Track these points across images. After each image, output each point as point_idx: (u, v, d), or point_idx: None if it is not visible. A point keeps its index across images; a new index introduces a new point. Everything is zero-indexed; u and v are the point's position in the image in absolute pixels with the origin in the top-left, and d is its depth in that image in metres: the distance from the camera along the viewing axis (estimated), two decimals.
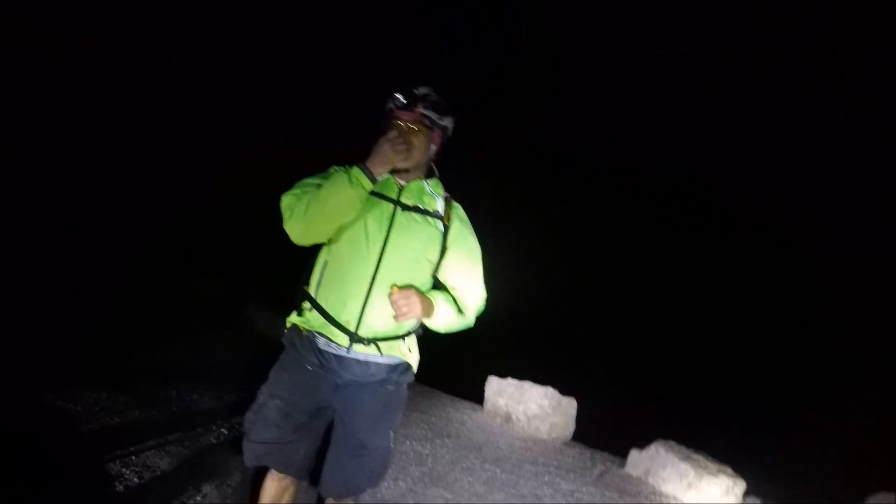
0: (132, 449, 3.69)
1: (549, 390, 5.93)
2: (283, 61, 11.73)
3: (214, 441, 4.07)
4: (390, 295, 2.51)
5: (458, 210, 2.74)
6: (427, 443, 5.04)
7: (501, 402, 5.97)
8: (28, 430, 3.70)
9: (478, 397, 6.27)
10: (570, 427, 5.96)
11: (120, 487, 3.34)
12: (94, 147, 8.98)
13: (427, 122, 2.59)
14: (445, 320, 2.69)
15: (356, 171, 2.48)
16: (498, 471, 4.85)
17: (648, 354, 10.56)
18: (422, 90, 2.62)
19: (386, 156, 2.50)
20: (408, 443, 4.95)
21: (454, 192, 2.78)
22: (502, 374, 6.16)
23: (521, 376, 6.11)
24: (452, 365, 6.45)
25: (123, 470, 3.48)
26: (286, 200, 2.55)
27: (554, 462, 5.36)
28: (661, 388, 8.99)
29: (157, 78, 10.32)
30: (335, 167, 2.58)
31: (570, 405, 5.95)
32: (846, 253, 12.02)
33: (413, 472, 4.46)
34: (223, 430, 4.17)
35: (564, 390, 6.05)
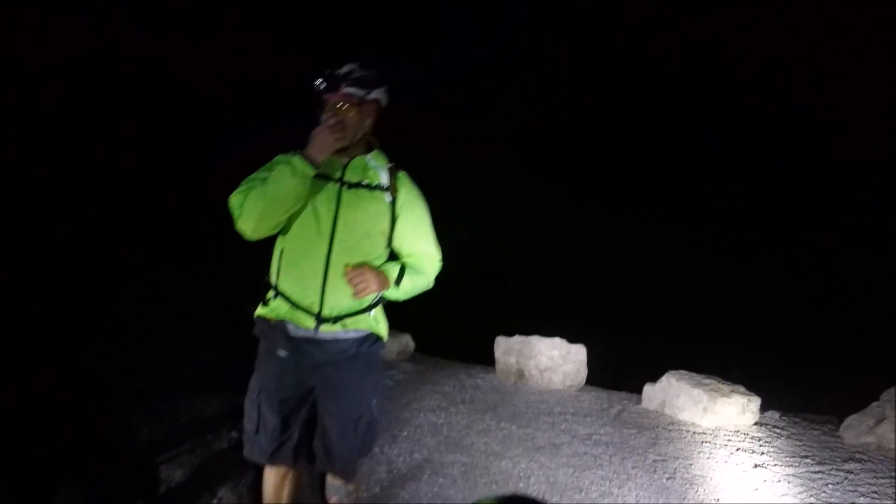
0: (146, 466, 3.79)
1: (557, 341, 5.97)
2: (283, 61, 11.76)
3: (226, 445, 4.11)
4: (345, 274, 2.58)
5: (404, 178, 2.79)
6: (441, 412, 5.10)
7: (512, 360, 6.02)
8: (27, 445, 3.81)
9: (490, 360, 6.32)
10: (583, 373, 6.00)
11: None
12: (93, 147, 9.10)
13: (355, 100, 2.64)
14: (405, 289, 2.75)
15: (297, 160, 2.53)
16: (514, 427, 4.91)
17: (650, 299, 10.62)
18: (344, 68, 2.67)
19: (325, 142, 2.56)
20: (422, 415, 5.00)
21: (399, 161, 2.82)
22: (509, 333, 6.21)
23: (527, 332, 6.16)
24: (460, 332, 6.51)
25: (140, 486, 3.60)
26: (234, 199, 2.62)
27: (570, 409, 5.42)
28: (667, 324, 8.99)
29: (158, 78, 10.43)
30: (280, 156, 2.63)
31: (579, 352, 5.97)
32: (846, 253, 11.97)
33: (428, 443, 4.50)
34: (233, 434, 4.23)
35: (572, 338, 6.09)
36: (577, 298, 9.39)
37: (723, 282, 11.82)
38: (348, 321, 2.67)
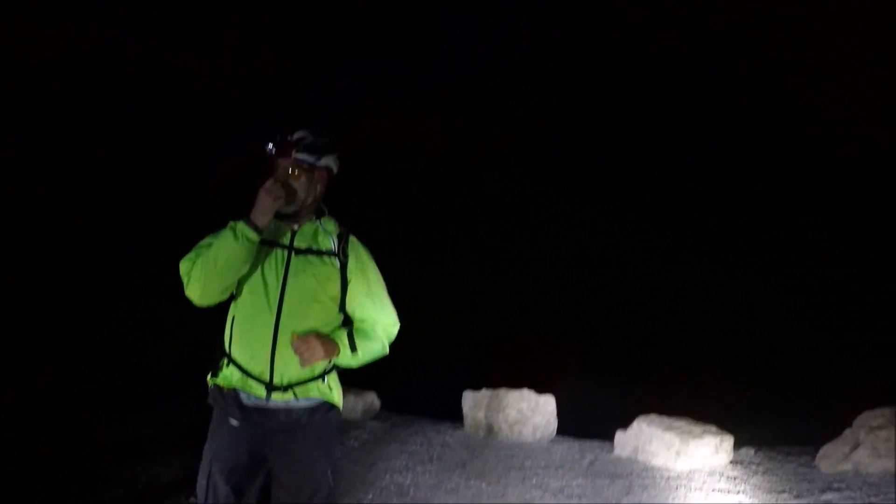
0: None
1: (525, 392, 5.88)
2: (283, 61, 11.82)
3: None
4: (291, 343, 2.53)
5: (354, 242, 2.76)
6: (408, 472, 4.93)
7: (480, 414, 5.89)
8: None
9: (459, 414, 6.17)
10: (553, 424, 5.87)
11: None
12: (93, 147, 9.12)
13: (305, 166, 2.63)
14: (356, 356, 2.68)
15: (241, 225, 2.51)
16: (483, 484, 4.76)
17: (622, 339, 10.54)
18: (297, 134, 2.66)
19: (265, 205, 2.53)
20: (388, 476, 4.83)
21: (350, 222, 2.80)
22: (477, 386, 6.09)
23: (495, 384, 6.05)
24: (428, 387, 6.37)
25: None
26: (183, 266, 2.61)
27: (542, 462, 5.27)
28: (638, 366, 8.92)
29: (158, 78, 10.43)
30: (231, 222, 2.59)
31: (548, 402, 5.88)
32: (846, 254, 12.17)
33: None
34: (192, 501, 4.07)
35: (540, 388, 5.99)
36: (544, 345, 9.26)
37: (685, 315, 11.67)
38: (299, 389, 2.61)
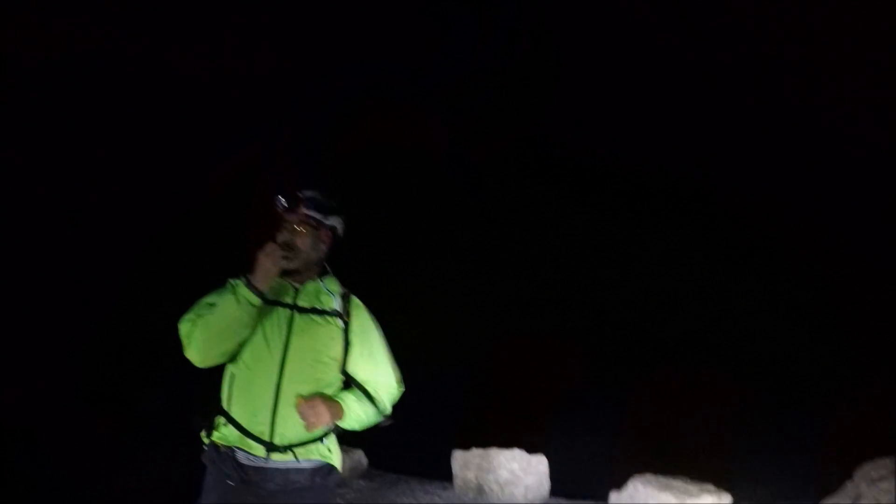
0: None
1: (517, 452, 5.72)
2: (283, 61, 11.75)
3: None
4: (297, 406, 2.51)
5: (356, 303, 2.75)
6: None
7: (470, 475, 5.73)
8: None
9: (448, 474, 5.99)
10: (545, 485, 5.72)
11: None
12: (93, 147, 9.08)
13: (312, 223, 2.63)
14: (359, 419, 2.65)
15: (242, 288, 2.50)
16: None
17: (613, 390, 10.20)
18: (307, 192, 2.65)
19: (267, 269, 2.52)
20: None
21: (351, 283, 2.79)
22: (465, 443, 5.93)
23: (485, 443, 5.89)
24: (416, 445, 6.22)
25: None
26: (183, 328, 2.58)
27: None
28: (633, 419, 8.65)
29: (157, 78, 10.38)
30: (231, 281, 2.59)
31: (539, 462, 5.73)
32: (847, 253, 11.91)
33: None
34: None
35: (531, 447, 5.82)
36: (534, 400, 8.95)
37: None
38: (300, 451, 2.57)
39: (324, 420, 2.52)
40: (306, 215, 2.63)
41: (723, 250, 12.83)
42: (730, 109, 15.15)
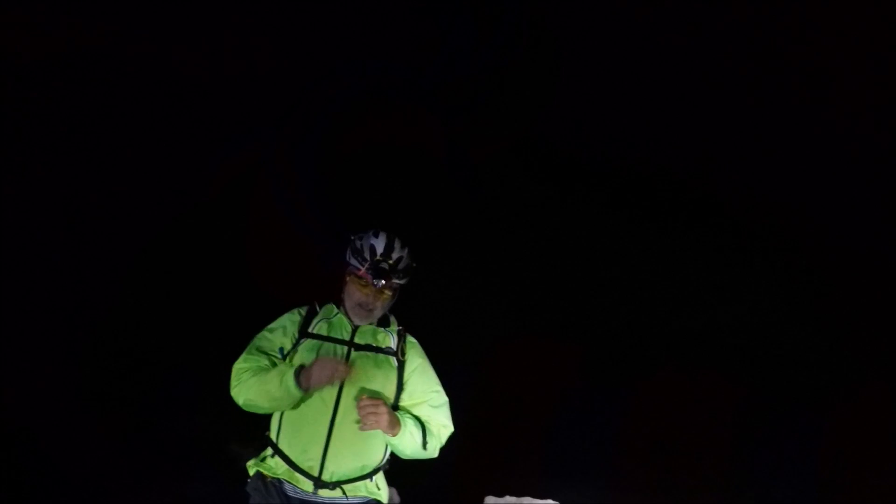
0: None
1: (551, 503, 5.67)
2: (283, 61, 11.80)
3: None
4: (358, 403, 2.55)
5: (413, 343, 2.81)
6: None
7: None
8: None
9: None
10: None
11: None
12: (92, 147, 9.08)
13: (396, 286, 2.73)
14: (412, 441, 2.68)
15: (289, 380, 2.52)
16: None
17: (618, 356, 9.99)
18: (393, 255, 2.68)
19: (321, 381, 2.55)
20: None
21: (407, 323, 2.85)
22: (499, 489, 5.85)
23: (520, 488, 5.81)
24: (445, 487, 6.04)
25: None
26: (235, 371, 2.68)
27: None
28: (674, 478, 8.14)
29: (157, 78, 10.32)
30: (287, 317, 2.72)
31: None
32: (847, 254, 11.91)
33: None
34: None
35: (566, 500, 5.74)
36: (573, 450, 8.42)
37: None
38: (348, 487, 2.64)
39: (382, 423, 2.53)
40: (395, 286, 2.70)
41: (723, 250, 12.86)
42: (730, 109, 15.14)
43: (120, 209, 8.66)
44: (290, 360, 2.69)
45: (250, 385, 2.62)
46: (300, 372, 2.55)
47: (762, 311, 11.41)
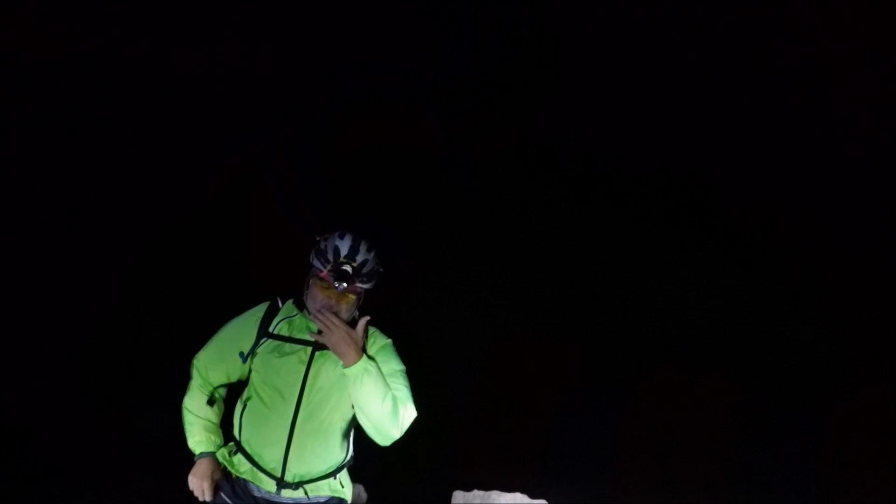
0: None
1: (518, 496, 5.64)
2: (283, 61, 11.81)
3: None
4: (316, 314, 2.52)
5: (377, 335, 2.73)
6: None
7: None
8: None
9: None
10: None
11: None
12: (92, 147, 9.05)
13: (360, 290, 2.63)
14: (375, 391, 2.51)
15: (192, 446, 2.72)
16: None
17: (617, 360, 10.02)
18: (358, 258, 2.57)
19: (191, 484, 2.69)
20: None
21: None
22: (468, 483, 5.80)
23: (487, 481, 5.73)
24: (412, 482, 6.05)
25: None
26: (193, 368, 2.78)
27: None
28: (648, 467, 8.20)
29: (157, 78, 10.35)
30: (248, 316, 2.71)
31: None
32: (847, 254, 11.91)
33: None
34: None
35: (535, 491, 5.67)
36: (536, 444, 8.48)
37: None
38: (310, 486, 2.61)
39: (333, 338, 2.45)
40: (358, 289, 2.61)
41: (723, 250, 12.86)
42: (730, 110, 15.15)
43: (120, 209, 8.67)
44: (251, 363, 2.63)
45: (183, 416, 2.76)
46: (195, 456, 2.70)
47: (762, 312, 11.48)
